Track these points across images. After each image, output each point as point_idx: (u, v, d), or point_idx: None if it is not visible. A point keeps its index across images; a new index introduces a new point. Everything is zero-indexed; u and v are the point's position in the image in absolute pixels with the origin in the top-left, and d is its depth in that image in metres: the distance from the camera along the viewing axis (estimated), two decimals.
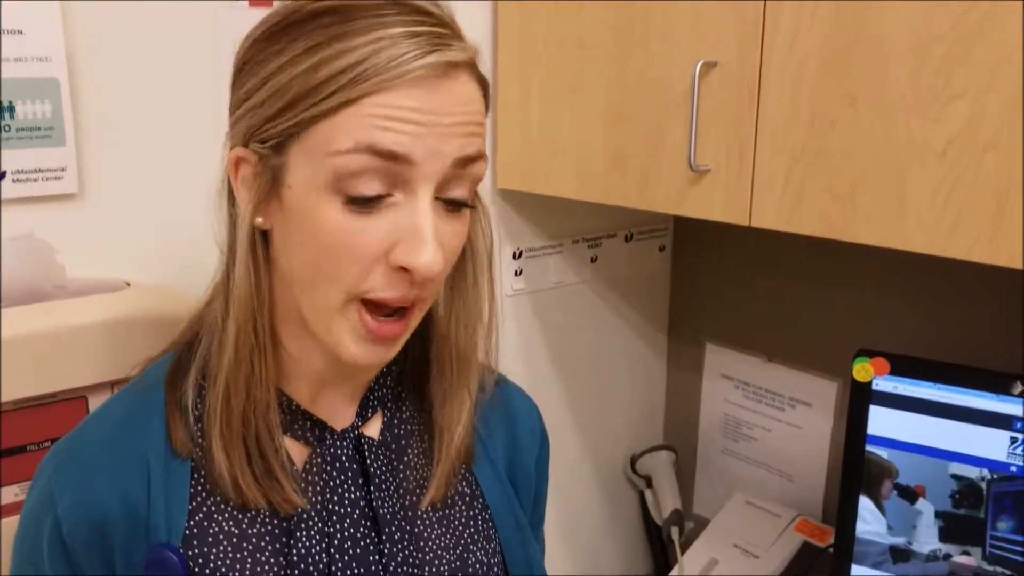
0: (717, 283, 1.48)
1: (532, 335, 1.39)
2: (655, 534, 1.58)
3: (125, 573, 0.68)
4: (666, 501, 1.48)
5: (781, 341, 1.40)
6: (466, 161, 0.66)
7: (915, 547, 0.98)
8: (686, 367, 1.56)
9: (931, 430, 0.95)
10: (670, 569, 1.39)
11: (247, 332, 0.68)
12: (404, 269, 0.65)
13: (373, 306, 0.67)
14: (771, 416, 1.43)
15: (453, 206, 0.67)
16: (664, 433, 1.62)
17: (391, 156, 0.62)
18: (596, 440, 1.53)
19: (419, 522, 0.77)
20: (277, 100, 0.64)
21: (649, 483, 1.54)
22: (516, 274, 1.34)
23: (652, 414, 1.60)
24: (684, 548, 1.41)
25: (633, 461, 1.56)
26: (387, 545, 0.74)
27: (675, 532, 1.44)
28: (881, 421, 0.98)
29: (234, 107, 0.69)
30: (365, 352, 0.68)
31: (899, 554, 1.00)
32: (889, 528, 1.00)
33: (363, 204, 0.64)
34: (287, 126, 0.64)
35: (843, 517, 1.01)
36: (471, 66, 0.67)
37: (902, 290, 1.23)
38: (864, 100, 0.84)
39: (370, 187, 0.63)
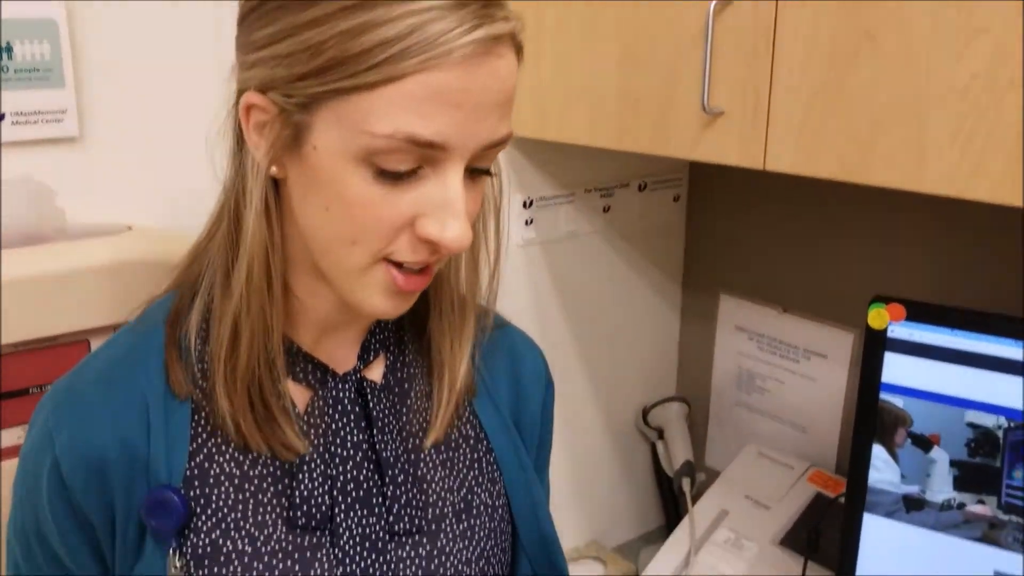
0: (732, 234, 1.46)
1: (543, 286, 1.38)
2: (666, 486, 1.57)
3: (125, 514, 0.68)
4: (677, 453, 1.47)
5: (797, 292, 1.38)
6: (498, 143, 0.65)
7: (929, 496, 0.97)
8: (700, 319, 1.54)
9: (947, 378, 0.94)
10: (680, 520, 1.39)
11: (259, 279, 0.67)
12: (429, 240, 0.64)
13: (394, 264, 0.66)
14: (785, 368, 1.41)
15: (477, 174, 0.67)
16: (677, 385, 1.61)
17: (428, 145, 0.61)
18: (608, 392, 1.51)
19: (422, 464, 0.77)
20: (309, 58, 0.61)
21: (661, 435, 1.54)
22: (526, 224, 1.32)
23: (665, 366, 1.59)
24: (695, 499, 1.41)
25: (645, 413, 1.55)
26: (390, 487, 0.74)
27: (686, 483, 1.43)
28: (896, 369, 0.96)
29: (248, 47, 0.65)
30: (391, 305, 0.68)
31: (912, 503, 0.98)
32: (903, 477, 0.98)
33: (395, 177, 0.62)
34: (320, 90, 0.61)
35: (856, 465, 1.00)
36: (513, 36, 0.65)
37: (919, 238, 1.20)
38: (883, 37, 0.81)
39: (403, 164, 0.62)
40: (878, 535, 1.01)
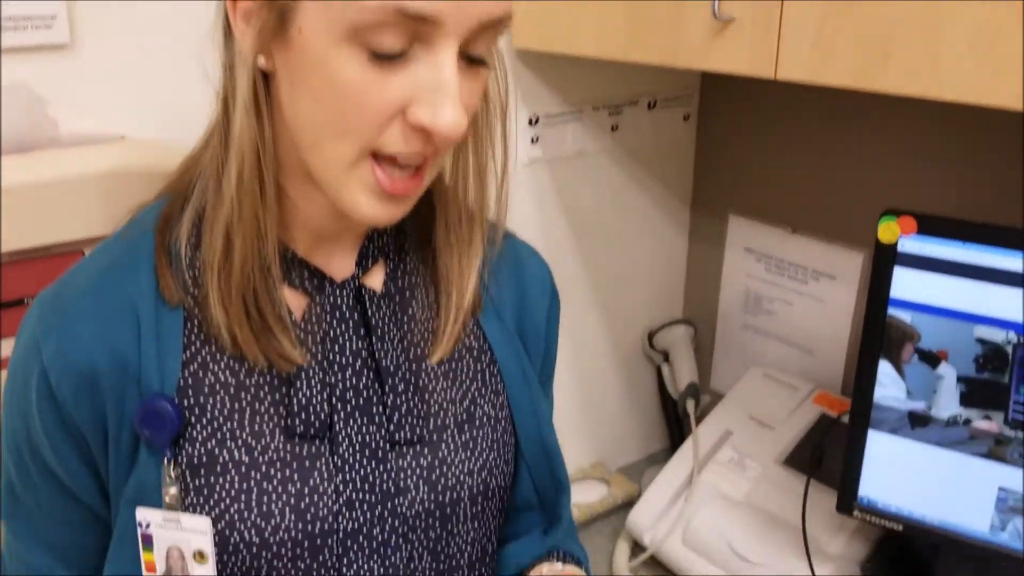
0: (742, 153, 1.43)
1: (549, 206, 1.35)
2: (671, 408, 1.57)
3: (118, 424, 0.67)
4: (682, 375, 1.47)
5: (807, 212, 1.35)
6: (495, 23, 0.62)
7: (934, 412, 0.96)
8: (708, 240, 1.52)
9: (957, 292, 0.92)
10: (684, 442, 1.39)
11: (250, 181, 0.65)
12: (422, 128, 0.61)
13: (386, 161, 0.64)
14: (793, 290, 1.40)
15: (472, 63, 0.63)
16: (683, 308, 1.60)
17: (419, 18, 0.58)
18: (614, 314, 1.50)
19: (424, 374, 0.76)
20: None
21: (666, 358, 1.53)
22: (532, 142, 1.29)
23: (672, 289, 1.58)
24: (699, 421, 1.41)
25: (651, 336, 1.54)
26: (390, 396, 0.73)
27: (691, 405, 1.43)
28: (905, 284, 0.94)
29: None
30: (379, 211, 0.65)
31: (917, 419, 0.97)
32: (908, 393, 0.97)
33: (385, 59, 0.60)
34: None
35: (861, 382, 0.99)
36: None
37: (932, 154, 1.18)
38: None
39: (394, 42, 0.59)
40: (881, 452, 1.01)
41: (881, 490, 1.02)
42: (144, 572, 0.71)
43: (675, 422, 1.58)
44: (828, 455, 1.18)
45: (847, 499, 1.04)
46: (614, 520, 1.46)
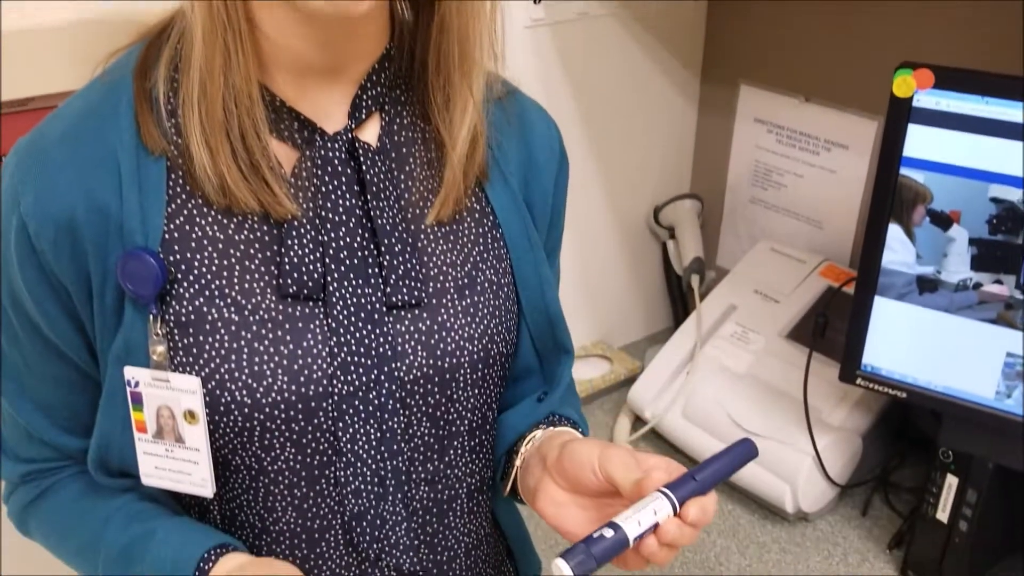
0: (755, 18, 1.36)
1: (552, 72, 1.30)
2: (675, 286, 1.55)
3: (101, 278, 0.65)
4: (688, 250, 1.44)
5: (820, 79, 1.30)
6: None
7: (944, 276, 0.93)
8: (718, 111, 1.46)
9: (973, 149, 0.87)
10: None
11: (217, 10, 0.61)
12: None
13: None
14: (804, 161, 1.35)
15: None
16: (691, 182, 1.56)
17: None
18: (619, 189, 1.47)
19: (422, 236, 0.72)
20: None
21: (672, 234, 1.50)
22: (535, 1, 1.23)
23: (679, 162, 1.53)
24: (703, 297, 1.38)
25: (657, 212, 1.51)
26: (386, 257, 0.70)
27: (695, 280, 1.41)
28: (919, 141, 0.90)
29: None
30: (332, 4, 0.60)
31: (926, 284, 0.94)
32: (918, 257, 0.94)
33: None
34: None
35: (870, 245, 0.96)
36: None
37: (950, 10, 1.11)
38: None
39: None
40: (887, 319, 0.98)
41: (885, 358, 1.00)
42: (135, 431, 0.69)
43: (679, 299, 1.56)
44: (833, 328, 1.16)
45: (851, 367, 1.02)
46: (616, 396, 1.46)
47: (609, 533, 0.60)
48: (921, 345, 0.97)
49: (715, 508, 0.63)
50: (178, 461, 0.69)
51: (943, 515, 1.02)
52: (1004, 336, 0.92)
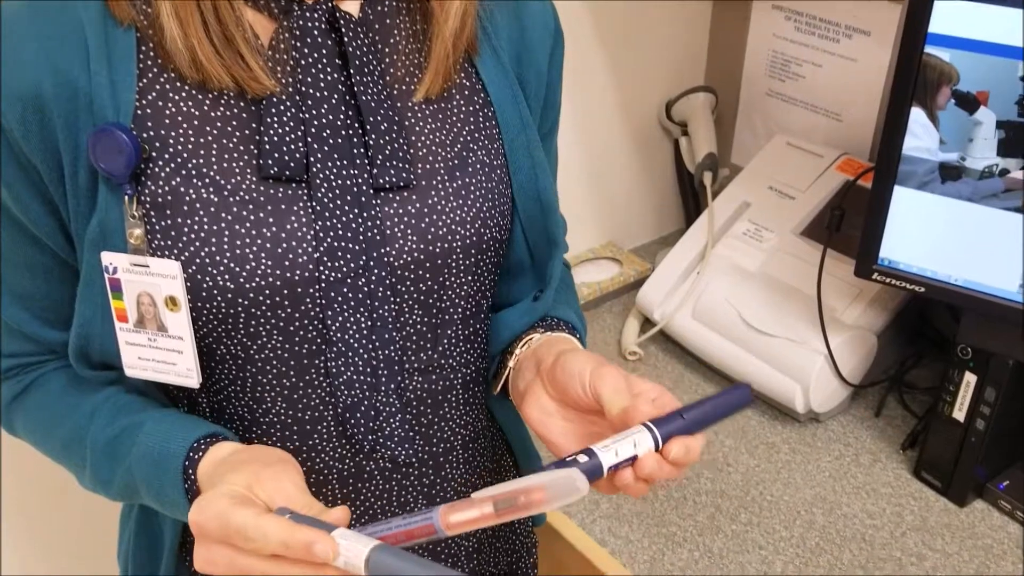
0: None
1: None
2: (688, 185, 1.50)
3: (72, 157, 0.62)
4: (700, 145, 1.38)
5: None
6: None
7: (968, 163, 0.88)
8: None
9: (1005, 24, 0.81)
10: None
11: None
12: None
13: None
14: (824, 49, 1.28)
15: None
16: (705, 75, 1.49)
17: None
18: (629, 82, 1.40)
19: (410, 114, 0.68)
20: None
21: (684, 130, 1.44)
22: None
23: (693, 53, 1.46)
24: (716, 195, 1.33)
25: (668, 106, 1.45)
26: (372, 136, 0.66)
27: (707, 177, 1.35)
28: (946, 15, 0.83)
29: None
30: None
31: (949, 171, 0.89)
32: (941, 143, 0.88)
33: None
34: None
35: (890, 130, 0.90)
36: None
37: None
38: None
39: None
40: (907, 210, 0.93)
41: (904, 251, 0.96)
42: (115, 321, 0.67)
43: (691, 198, 1.51)
44: (849, 224, 1.11)
45: (867, 261, 0.98)
46: (625, 299, 1.43)
47: (583, 459, 0.58)
48: (942, 237, 0.93)
49: (700, 449, 0.61)
50: (161, 351, 0.67)
51: (960, 414, 0.99)
52: None
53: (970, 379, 0.97)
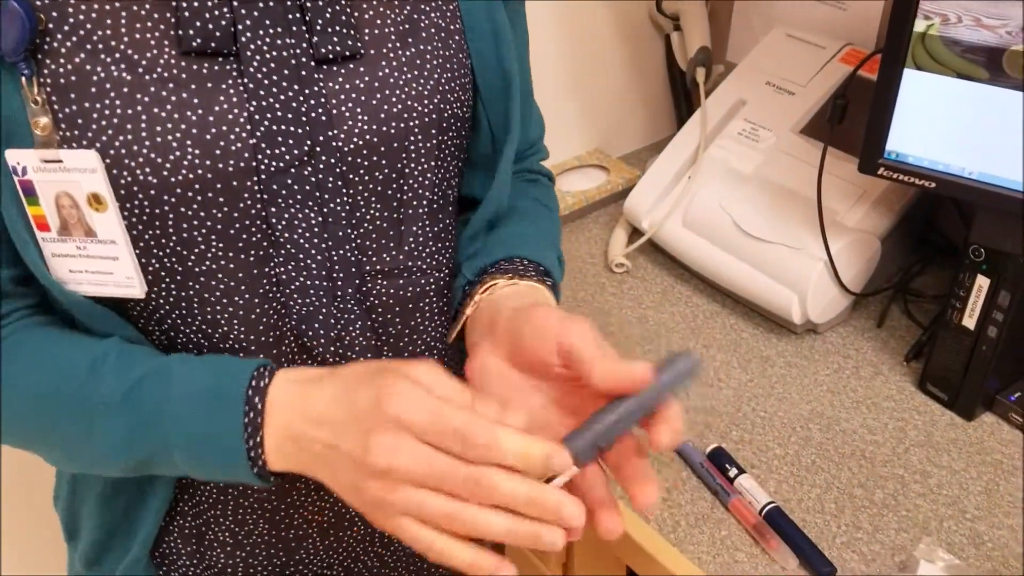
0: None
1: None
2: (680, 85, 1.40)
3: None
4: (693, 39, 1.27)
5: None
6: None
7: None
8: None
9: None
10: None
11: None
12: None
13: None
14: None
15: None
16: None
17: None
18: None
19: None
20: None
21: (677, 25, 1.33)
22: None
23: None
24: (710, 93, 1.23)
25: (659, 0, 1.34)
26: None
27: (700, 73, 1.25)
28: None
29: None
30: None
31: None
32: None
33: None
34: None
35: (900, 5, 0.80)
36: None
37: None
38: None
39: None
40: (918, 94, 0.84)
41: (913, 142, 0.87)
42: (36, 231, 0.58)
43: (684, 100, 1.41)
44: (853, 120, 1.01)
45: (872, 155, 0.89)
46: (612, 209, 1.34)
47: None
48: (956, 125, 0.84)
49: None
50: (94, 259, 0.58)
51: (970, 321, 0.91)
52: None
53: (983, 283, 0.89)
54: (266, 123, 0.57)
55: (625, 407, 0.52)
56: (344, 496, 0.53)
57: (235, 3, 0.55)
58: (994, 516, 0.84)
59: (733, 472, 0.87)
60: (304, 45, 0.57)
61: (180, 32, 0.55)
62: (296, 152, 0.58)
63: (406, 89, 0.61)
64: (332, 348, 0.63)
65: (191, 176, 0.55)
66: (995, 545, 0.81)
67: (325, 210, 0.60)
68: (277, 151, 0.57)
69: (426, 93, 0.62)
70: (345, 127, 0.59)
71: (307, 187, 0.59)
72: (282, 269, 0.60)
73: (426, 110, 0.62)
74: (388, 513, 0.50)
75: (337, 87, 0.59)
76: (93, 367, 0.57)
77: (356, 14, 0.59)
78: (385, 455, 0.49)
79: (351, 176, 0.60)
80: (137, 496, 0.67)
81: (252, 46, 0.56)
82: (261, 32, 0.56)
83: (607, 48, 1.36)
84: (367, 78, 0.59)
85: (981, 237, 0.88)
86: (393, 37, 0.61)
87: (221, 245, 0.58)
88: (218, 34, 0.55)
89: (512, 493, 0.48)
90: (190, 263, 0.58)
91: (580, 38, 1.31)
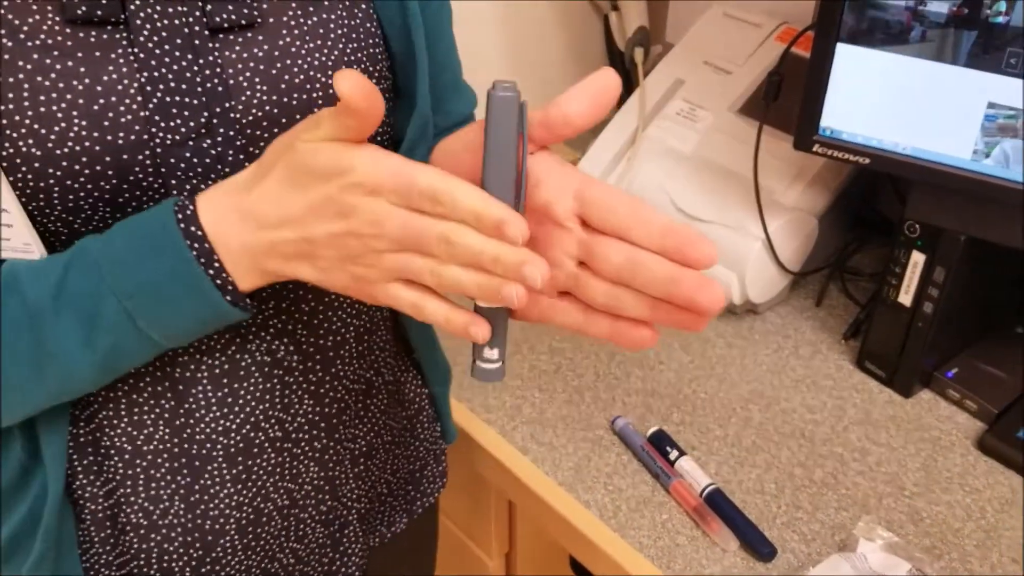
0: None
1: None
2: (620, 66, 1.38)
3: None
4: (631, 19, 1.26)
5: None
6: None
7: (923, 11, 0.78)
8: None
9: None
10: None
11: None
12: None
13: None
14: None
15: None
16: None
17: None
18: None
19: None
20: None
21: (615, 5, 1.31)
22: None
23: None
24: (648, 73, 1.22)
25: None
26: None
27: (638, 54, 1.24)
28: None
29: None
30: None
31: (899, 26, 0.79)
32: None
33: None
34: None
35: None
36: None
37: None
38: None
39: None
40: (851, 70, 0.83)
41: (847, 118, 0.86)
42: None
43: (623, 81, 1.40)
44: (788, 99, 1.01)
45: (807, 132, 0.88)
46: None
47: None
48: (889, 101, 0.83)
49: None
50: None
51: (906, 298, 0.91)
52: (987, 83, 0.77)
53: (918, 259, 0.89)
54: (159, 94, 0.54)
55: (490, 145, 0.50)
56: (328, 282, 0.52)
57: None
58: (932, 492, 0.84)
59: (674, 455, 0.86)
60: (197, 13, 0.54)
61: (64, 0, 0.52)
62: (192, 124, 0.55)
63: (308, 59, 0.58)
64: (241, 328, 0.61)
65: (78, 148, 0.52)
66: (933, 521, 0.81)
67: None
68: (172, 124, 0.54)
69: (330, 64, 0.59)
70: (243, 98, 0.56)
71: (206, 160, 0.56)
72: None
73: (329, 82, 0.59)
74: (375, 281, 0.50)
75: (234, 56, 0.56)
76: (8, 289, 0.52)
77: None
78: (368, 223, 0.48)
79: (251, 149, 0.57)
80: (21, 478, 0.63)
81: (142, 14, 0.53)
82: (151, 0, 0.53)
83: (546, 28, 1.33)
84: (266, 47, 0.57)
85: (916, 213, 0.88)
86: (294, 5, 0.58)
87: (117, 216, 0.55)
88: (104, 1, 0.52)
89: (481, 248, 0.47)
90: (82, 231, 0.55)
91: (518, 19, 1.28)
